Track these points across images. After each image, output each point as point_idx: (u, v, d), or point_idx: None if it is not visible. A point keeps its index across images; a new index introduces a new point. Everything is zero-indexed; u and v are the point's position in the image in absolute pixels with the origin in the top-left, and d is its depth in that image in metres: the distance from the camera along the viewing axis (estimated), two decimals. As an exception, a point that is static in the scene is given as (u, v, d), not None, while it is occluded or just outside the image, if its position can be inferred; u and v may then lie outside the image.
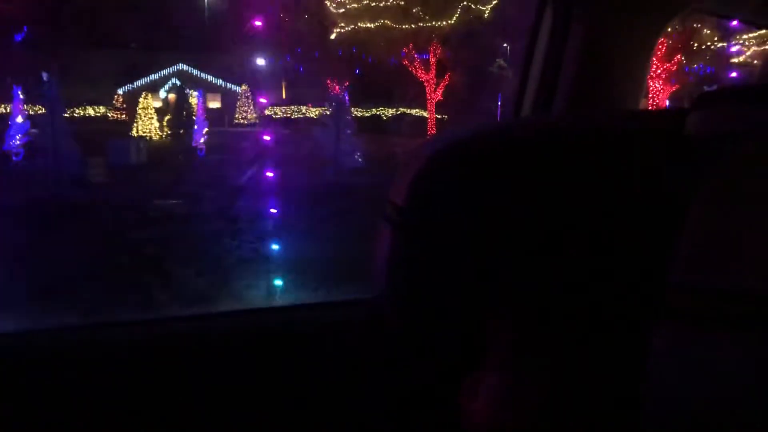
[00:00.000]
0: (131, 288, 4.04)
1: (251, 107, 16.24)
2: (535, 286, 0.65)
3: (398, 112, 17.36)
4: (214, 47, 16.21)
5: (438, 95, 14.09)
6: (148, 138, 13.08)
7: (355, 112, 17.50)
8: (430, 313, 0.71)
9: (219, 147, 12.02)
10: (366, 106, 17.26)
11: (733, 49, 14.01)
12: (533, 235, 0.65)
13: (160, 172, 9.26)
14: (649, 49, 1.39)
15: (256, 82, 16.34)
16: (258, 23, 7.44)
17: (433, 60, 13.68)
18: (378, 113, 17.63)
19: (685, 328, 0.49)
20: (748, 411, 0.45)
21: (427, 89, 14.06)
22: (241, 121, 16.18)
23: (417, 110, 16.65)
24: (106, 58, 16.80)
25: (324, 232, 5.54)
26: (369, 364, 1.03)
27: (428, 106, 14.29)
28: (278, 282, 4.22)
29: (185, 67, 16.40)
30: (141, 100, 13.43)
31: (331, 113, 9.26)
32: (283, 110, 17.45)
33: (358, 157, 9.11)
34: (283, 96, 18.08)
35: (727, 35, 13.88)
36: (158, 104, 15.48)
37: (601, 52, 1.35)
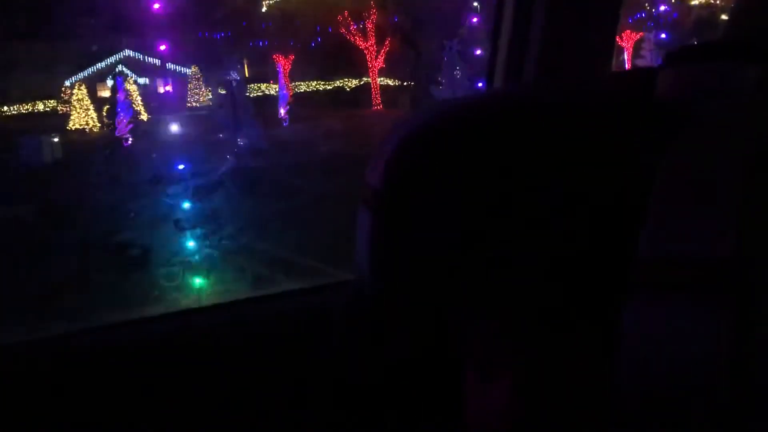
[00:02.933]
0: None
1: (203, 89, 15.73)
2: (513, 265, 0.63)
3: (362, 83, 16.76)
4: (167, 29, 15.72)
5: (380, 62, 13.49)
6: (87, 131, 12.71)
7: (317, 86, 16.99)
8: (412, 294, 0.70)
9: (150, 136, 11.60)
10: (331, 78, 16.72)
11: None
12: (509, 210, 0.64)
13: (57, 171, 8.90)
14: (616, 7, 1.38)
15: (212, 62, 15.90)
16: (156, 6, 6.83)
17: (370, 26, 13.03)
18: (341, 85, 17.06)
19: (654, 298, 0.50)
20: (718, 375, 0.47)
21: (367, 57, 13.44)
22: (194, 104, 15.68)
23: (381, 79, 16.07)
24: (61, 49, 16.38)
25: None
26: (354, 345, 0.99)
27: (370, 74, 13.69)
28: None
29: (131, 53, 15.90)
30: (75, 91, 13.03)
31: (226, 93, 8.72)
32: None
33: (261, 139, 8.59)
34: (246, 74, 17.60)
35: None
36: (107, 94, 15.06)
37: (568, 12, 1.35)
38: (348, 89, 16.79)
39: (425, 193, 0.65)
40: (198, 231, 4.88)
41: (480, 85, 6.68)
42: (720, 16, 12.27)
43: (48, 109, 15.93)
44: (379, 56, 13.48)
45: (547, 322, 0.63)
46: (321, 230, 5.43)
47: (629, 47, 13.38)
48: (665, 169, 0.52)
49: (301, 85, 16.84)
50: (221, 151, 7.99)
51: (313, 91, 16.75)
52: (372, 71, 13.86)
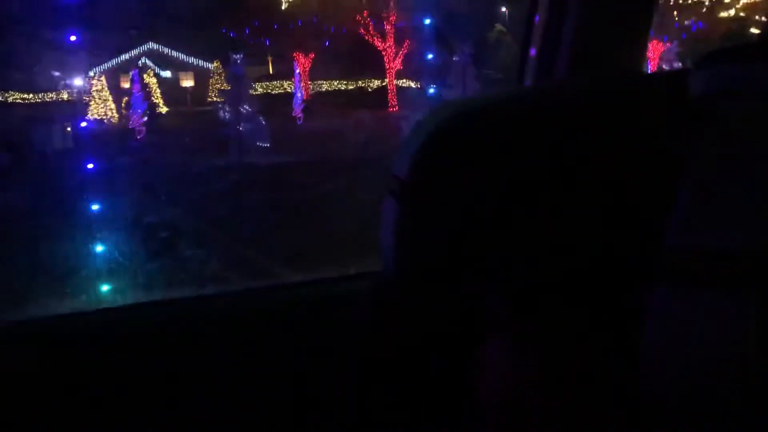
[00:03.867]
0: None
1: (224, 84, 15.81)
2: (537, 252, 0.65)
3: (384, 83, 16.64)
4: (192, 24, 15.82)
5: (397, 64, 13.35)
6: (105, 121, 12.83)
7: (339, 85, 16.91)
8: (436, 285, 0.73)
9: (162, 129, 11.68)
10: (354, 78, 16.63)
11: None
12: (536, 204, 0.65)
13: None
14: (649, 6, 1.39)
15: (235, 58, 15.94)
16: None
17: (388, 27, 12.90)
18: (363, 85, 16.95)
19: (679, 290, 0.50)
20: (741, 369, 0.47)
21: (385, 58, 13.31)
22: (214, 98, 15.76)
23: (404, 80, 15.94)
24: (91, 40, 16.57)
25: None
26: (377, 335, 1.02)
27: (388, 76, 13.55)
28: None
29: (156, 46, 16.03)
30: (94, 82, 13.15)
31: (229, 92, 8.65)
32: (265, 86, 16.90)
33: (264, 136, 8.52)
34: (270, 71, 17.63)
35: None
36: (128, 85, 15.19)
37: (601, 13, 1.34)
38: (369, 89, 16.68)
39: (452, 185, 0.68)
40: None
41: (431, 91, 6.48)
42: (749, 29, 11.91)
43: (72, 98, 16.13)
44: (397, 58, 13.34)
45: (569, 302, 0.64)
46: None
47: (654, 57, 13.08)
48: (694, 165, 0.53)
49: (323, 83, 16.79)
50: (220, 148, 7.99)
51: (334, 90, 16.68)
52: (389, 73, 13.73)
